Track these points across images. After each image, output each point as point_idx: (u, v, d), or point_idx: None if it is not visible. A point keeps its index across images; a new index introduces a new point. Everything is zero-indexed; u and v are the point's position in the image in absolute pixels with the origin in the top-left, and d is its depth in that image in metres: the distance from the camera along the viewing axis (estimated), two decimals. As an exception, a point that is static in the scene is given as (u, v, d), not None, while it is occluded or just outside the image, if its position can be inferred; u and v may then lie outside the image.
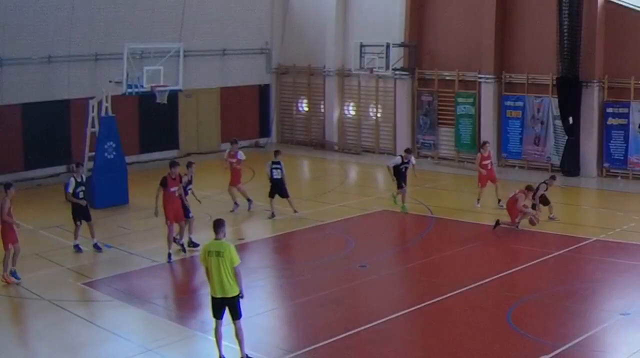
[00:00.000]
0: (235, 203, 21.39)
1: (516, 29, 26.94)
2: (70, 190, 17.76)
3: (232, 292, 11.42)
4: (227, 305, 11.49)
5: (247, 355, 11.64)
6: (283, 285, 15.81)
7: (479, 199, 21.62)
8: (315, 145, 32.34)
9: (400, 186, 21.11)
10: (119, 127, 22.73)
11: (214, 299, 11.55)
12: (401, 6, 29.26)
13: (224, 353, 11.66)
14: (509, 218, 19.12)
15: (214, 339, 11.71)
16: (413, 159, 21.57)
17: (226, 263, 11.35)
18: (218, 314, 11.58)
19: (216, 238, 11.58)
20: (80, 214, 17.89)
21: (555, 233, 18.96)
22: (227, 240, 11.11)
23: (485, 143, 22.50)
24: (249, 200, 21.53)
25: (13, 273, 15.47)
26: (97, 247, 17.80)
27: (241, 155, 21.71)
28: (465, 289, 14.82)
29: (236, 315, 11.53)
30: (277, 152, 21.19)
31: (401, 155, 21.60)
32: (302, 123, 33.34)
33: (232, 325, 11.58)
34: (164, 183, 17.37)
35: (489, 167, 21.74)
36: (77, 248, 17.72)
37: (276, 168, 20.65)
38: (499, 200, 21.22)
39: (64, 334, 13.28)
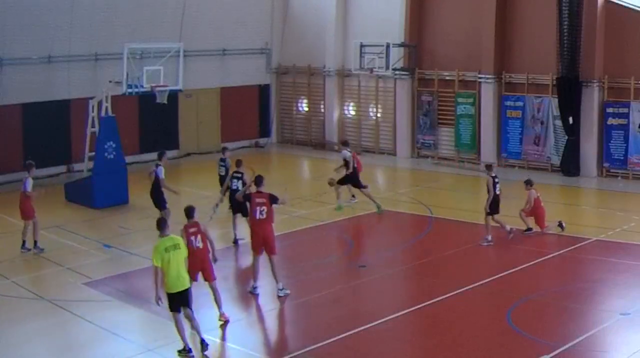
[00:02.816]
0: (35, 244, 17.77)
1: (516, 29, 26.95)
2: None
3: (188, 284, 11.99)
4: (184, 296, 11.92)
5: (203, 339, 12.04)
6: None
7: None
8: (315, 145, 32.34)
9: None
10: (119, 127, 22.74)
11: (171, 295, 11.84)
12: (401, 6, 29.26)
13: (189, 344, 11.95)
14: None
15: (177, 330, 11.96)
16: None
17: (181, 256, 11.85)
18: (177, 307, 11.94)
19: (166, 235, 11.96)
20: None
21: (555, 234, 18.95)
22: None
23: None
24: (35, 242, 17.78)
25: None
26: None
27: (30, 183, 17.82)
28: (465, 289, 14.82)
29: (188, 304, 11.99)
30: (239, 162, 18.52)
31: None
32: (302, 123, 33.34)
33: (183, 312, 11.98)
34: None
35: None
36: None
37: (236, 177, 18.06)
38: None
39: (64, 334, 13.29)
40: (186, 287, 11.95)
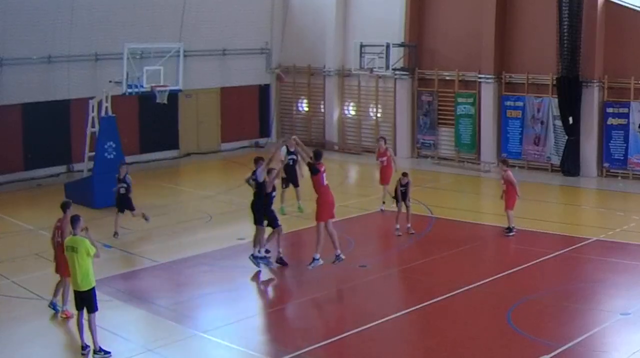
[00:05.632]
0: None
1: (516, 29, 26.95)
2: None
3: (84, 286, 11.98)
4: (82, 298, 12.02)
5: (100, 348, 12.02)
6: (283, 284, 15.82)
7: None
8: (315, 145, 32.29)
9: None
10: (119, 127, 22.74)
11: (74, 292, 12.16)
12: (401, 6, 29.25)
13: (86, 341, 12.08)
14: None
15: (76, 329, 12.17)
16: None
17: (82, 258, 11.92)
18: (78, 306, 12.12)
19: (73, 234, 12.18)
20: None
21: (555, 233, 18.96)
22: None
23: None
24: None
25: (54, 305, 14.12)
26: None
27: None
28: (465, 289, 14.82)
29: (89, 308, 12.05)
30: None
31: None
32: (302, 123, 33.34)
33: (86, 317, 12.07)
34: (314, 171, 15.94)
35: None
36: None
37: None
38: None
39: (64, 334, 13.29)
40: (81, 289, 11.98)
